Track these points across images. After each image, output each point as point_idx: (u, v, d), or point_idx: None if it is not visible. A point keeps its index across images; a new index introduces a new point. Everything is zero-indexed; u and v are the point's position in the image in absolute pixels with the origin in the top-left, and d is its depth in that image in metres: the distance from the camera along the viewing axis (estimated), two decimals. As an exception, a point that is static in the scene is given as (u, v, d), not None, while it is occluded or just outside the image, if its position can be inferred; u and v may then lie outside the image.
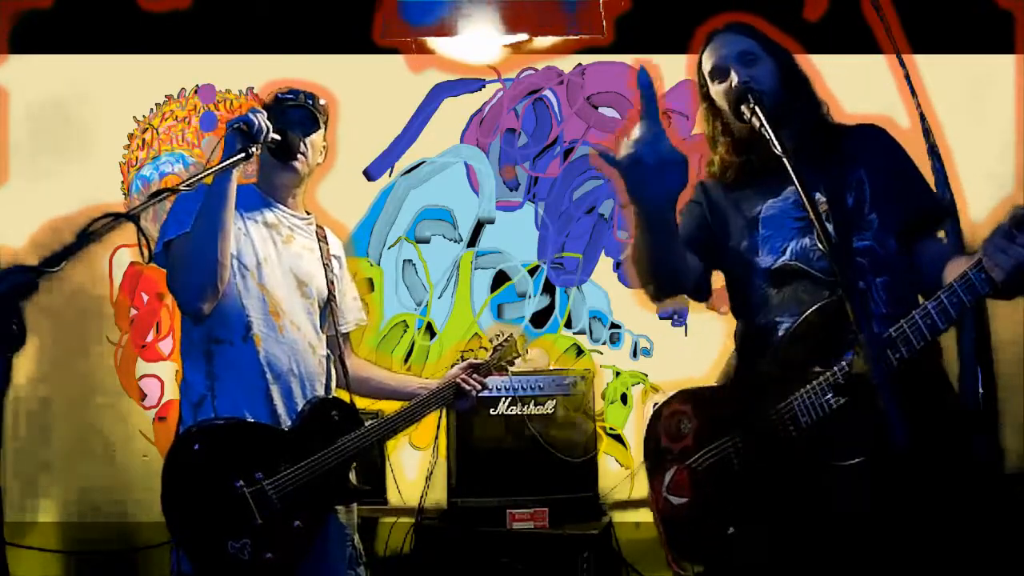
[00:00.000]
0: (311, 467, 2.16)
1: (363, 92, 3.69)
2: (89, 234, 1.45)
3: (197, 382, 2.20)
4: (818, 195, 1.85)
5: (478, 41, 3.80)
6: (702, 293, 2.08)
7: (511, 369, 2.69)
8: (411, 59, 3.81)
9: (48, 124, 3.73)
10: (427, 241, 3.81)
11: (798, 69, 2.05)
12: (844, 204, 1.92)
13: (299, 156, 2.26)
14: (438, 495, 3.36)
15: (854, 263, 1.87)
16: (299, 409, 2.23)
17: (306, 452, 2.17)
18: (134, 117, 3.78)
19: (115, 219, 1.47)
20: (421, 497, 3.39)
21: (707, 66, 2.02)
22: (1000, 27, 3.60)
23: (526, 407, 3.29)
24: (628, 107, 3.80)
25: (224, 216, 2.08)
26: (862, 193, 1.94)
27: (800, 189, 1.64)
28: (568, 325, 3.78)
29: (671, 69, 3.74)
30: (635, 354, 3.75)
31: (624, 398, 3.73)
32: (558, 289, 3.80)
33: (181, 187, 1.71)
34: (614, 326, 3.76)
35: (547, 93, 3.83)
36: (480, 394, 2.54)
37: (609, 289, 3.78)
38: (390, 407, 2.50)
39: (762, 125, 1.77)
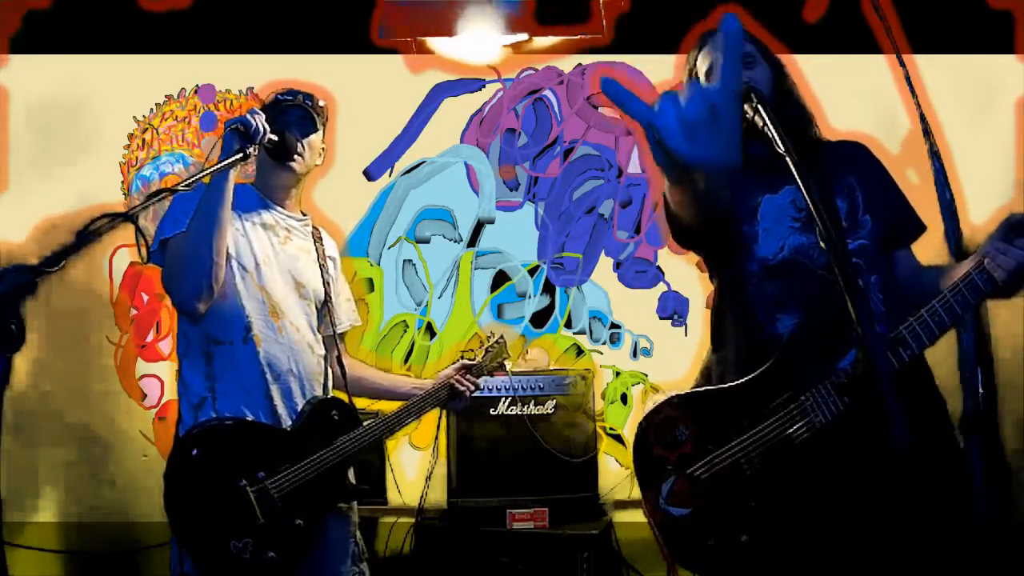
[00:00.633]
0: (312, 466, 2.17)
1: (363, 92, 3.69)
2: (88, 234, 1.45)
3: (197, 384, 2.20)
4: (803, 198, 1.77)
5: (478, 41, 3.79)
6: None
7: (510, 369, 2.70)
8: (411, 59, 3.81)
9: (48, 124, 3.73)
10: (427, 241, 3.81)
11: (791, 79, 2.07)
12: (835, 209, 1.96)
13: (296, 157, 2.26)
14: (438, 495, 3.36)
15: (853, 263, 1.89)
16: (299, 409, 2.23)
17: (307, 451, 2.18)
18: (134, 117, 3.78)
19: (114, 219, 1.47)
20: (421, 497, 3.38)
21: (702, 67, 2.03)
22: (1000, 27, 3.60)
23: (526, 407, 3.29)
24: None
25: (221, 216, 2.08)
26: (855, 198, 1.99)
27: (802, 187, 1.64)
28: (568, 325, 3.78)
29: (671, 69, 3.74)
30: (635, 354, 3.74)
31: (624, 398, 3.73)
32: (558, 289, 3.80)
33: (180, 187, 1.71)
34: (614, 326, 3.76)
35: (547, 93, 3.83)
36: (479, 394, 2.56)
37: (609, 289, 3.78)
38: (389, 407, 2.50)
39: (765, 124, 1.77)
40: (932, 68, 3.63)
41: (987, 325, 3.48)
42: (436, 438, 3.40)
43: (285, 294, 2.27)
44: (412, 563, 3.21)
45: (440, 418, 3.30)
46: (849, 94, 3.60)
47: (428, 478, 3.44)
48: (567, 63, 3.82)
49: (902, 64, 3.61)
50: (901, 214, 2.04)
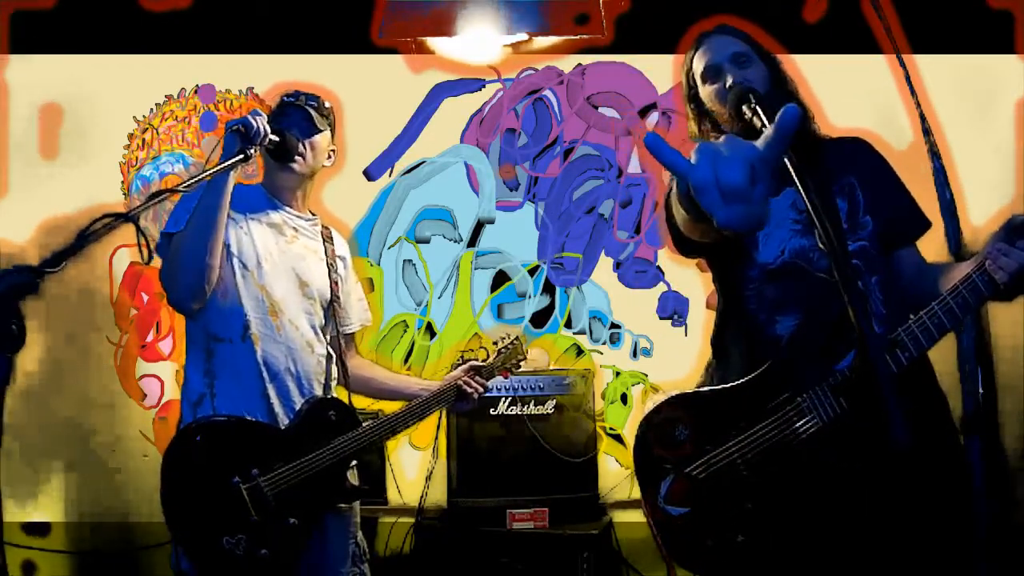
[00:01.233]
0: (306, 466, 2.17)
1: (363, 92, 3.69)
2: (88, 234, 1.45)
3: (196, 380, 2.21)
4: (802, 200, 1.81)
5: (478, 41, 3.79)
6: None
7: (520, 365, 2.68)
8: (411, 59, 3.81)
9: (48, 124, 3.74)
10: (427, 241, 3.81)
11: (787, 76, 2.06)
12: (835, 209, 1.95)
13: (297, 157, 2.26)
14: (438, 495, 3.36)
15: (852, 264, 1.89)
16: (297, 409, 2.23)
17: (303, 451, 2.18)
18: (134, 117, 3.78)
19: (114, 219, 1.47)
20: (421, 497, 3.39)
21: (698, 67, 2.03)
22: (1000, 27, 3.60)
23: (526, 407, 3.29)
24: (628, 107, 3.80)
25: (217, 218, 2.09)
26: (855, 198, 1.99)
27: (801, 188, 1.64)
28: (568, 325, 3.78)
29: (671, 69, 3.75)
30: (635, 354, 3.74)
31: (624, 398, 3.73)
32: (558, 289, 3.80)
33: (180, 188, 1.72)
34: (614, 326, 3.76)
35: (547, 93, 3.83)
36: (482, 395, 2.53)
37: (609, 289, 3.78)
38: (390, 407, 2.50)
39: (763, 125, 1.77)
40: (932, 68, 3.63)
41: (987, 325, 3.49)
42: (436, 438, 3.40)
43: (286, 293, 2.27)
44: (412, 563, 3.22)
45: (440, 418, 3.30)
46: (849, 94, 3.60)
47: (428, 478, 3.45)
48: (567, 63, 3.82)
49: (902, 64, 3.62)
50: (904, 212, 2.03)
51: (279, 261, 2.29)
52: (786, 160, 1.66)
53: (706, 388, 2.00)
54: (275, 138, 2.16)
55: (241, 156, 2.03)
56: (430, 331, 3.79)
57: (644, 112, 3.80)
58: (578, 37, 3.78)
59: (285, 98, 2.35)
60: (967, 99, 3.62)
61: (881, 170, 2.06)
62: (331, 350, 2.39)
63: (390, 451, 3.53)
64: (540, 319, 3.79)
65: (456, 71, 3.82)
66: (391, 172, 3.80)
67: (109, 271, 3.71)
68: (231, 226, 2.23)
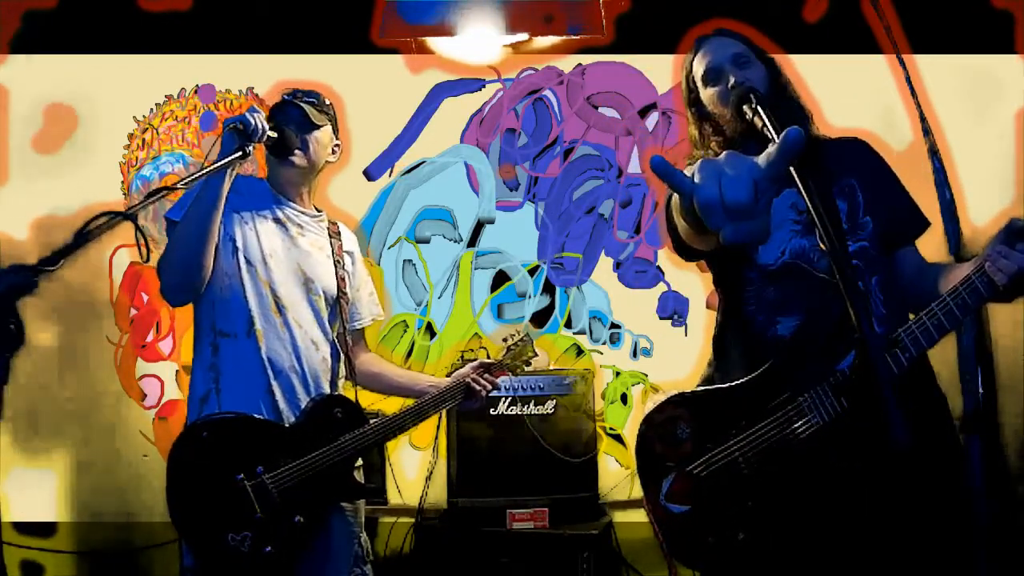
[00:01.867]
0: (311, 463, 2.17)
1: (363, 92, 3.69)
2: (87, 233, 1.45)
3: (203, 376, 2.22)
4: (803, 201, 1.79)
5: (478, 41, 3.79)
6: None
7: (531, 363, 2.65)
8: (411, 59, 3.81)
9: (48, 124, 3.74)
10: (427, 241, 3.81)
11: (787, 77, 2.07)
12: (835, 209, 1.96)
13: (296, 152, 2.27)
14: (438, 495, 3.36)
15: (853, 265, 1.89)
16: (302, 406, 2.23)
17: (308, 448, 2.18)
18: (134, 117, 3.78)
19: (113, 218, 1.47)
20: (421, 497, 3.39)
21: (699, 70, 2.04)
22: (1000, 27, 3.60)
23: (526, 407, 3.29)
24: (628, 107, 3.80)
25: (212, 216, 2.10)
26: (855, 199, 2.00)
27: (802, 189, 1.65)
28: (568, 325, 3.78)
29: (671, 69, 3.75)
30: (635, 354, 3.74)
31: (624, 398, 3.73)
32: (558, 289, 3.79)
33: (179, 186, 1.72)
34: (614, 326, 3.76)
35: (547, 93, 3.83)
36: (491, 393, 2.50)
37: (609, 289, 3.78)
38: (391, 406, 2.49)
39: (764, 125, 1.77)
40: (932, 68, 3.63)
41: (987, 325, 3.49)
42: (436, 438, 3.40)
43: (291, 289, 2.27)
44: (412, 563, 3.21)
45: (440, 418, 3.30)
46: (849, 94, 3.60)
47: (428, 478, 3.45)
48: (567, 63, 3.82)
49: (902, 64, 3.62)
50: (904, 212, 2.04)
51: (284, 258, 2.29)
52: (796, 176, 1.67)
53: (707, 387, 2.00)
54: (273, 134, 2.17)
55: (239, 153, 2.03)
56: (430, 331, 3.79)
57: (644, 112, 3.80)
58: (578, 37, 3.78)
59: (284, 96, 2.35)
60: (967, 99, 3.62)
61: (880, 170, 2.07)
62: (337, 347, 2.39)
63: (390, 451, 3.53)
64: (540, 319, 3.79)
65: (456, 71, 3.82)
66: (391, 172, 3.80)
67: (109, 271, 3.71)
68: (237, 221, 2.23)
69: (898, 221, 2.02)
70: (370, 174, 3.79)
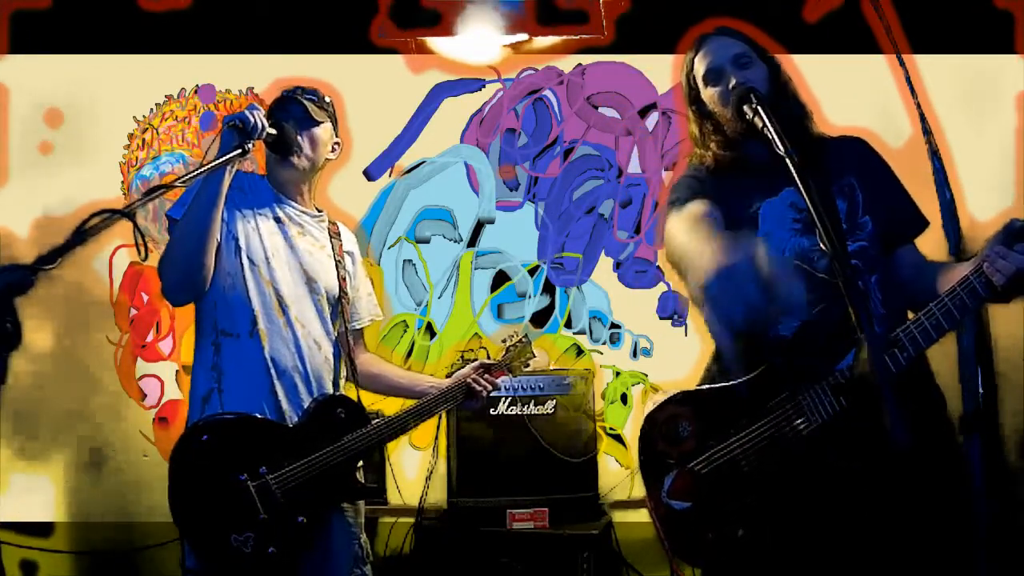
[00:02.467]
0: (315, 464, 2.17)
1: (363, 92, 3.69)
2: (85, 231, 1.45)
3: (205, 375, 2.21)
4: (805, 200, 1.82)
5: (478, 41, 3.79)
6: None
7: (530, 363, 2.65)
8: (411, 59, 3.80)
9: (48, 123, 3.74)
10: (427, 241, 3.81)
11: (787, 77, 2.08)
12: (835, 209, 1.96)
13: (295, 151, 2.26)
14: (438, 495, 3.36)
15: (853, 264, 1.89)
16: (304, 406, 2.23)
17: (311, 449, 2.18)
18: (134, 117, 3.78)
19: (111, 215, 1.47)
20: (421, 497, 3.38)
21: (700, 69, 2.04)
22: (1000, 27, 3.60)
23: (526, 407, 3.29)
24: (628, 107, 3.80)
25: (212, 216, 2.09)
26: (854, 198, 2.01)
27: (802, 188, 1.66)
28: (568, 325, 3.78)
29: (671, 69, 3.75)
30: (635, 354, 3.74)
31: (624, 398, 3.73)
32: (558, 289, 3.79)
33: (177, 184, 1.71)
34: (614, 326, 3.76)
35: (547, 93, 3.83)
36: (491, 393, 2.50)
37: (609, 289, 3.78)
38: (390, 407, 2.49)
39: (765, 125, 1.79)
40: (932, 68, 3.62)
41: (987, 325, 3.49)
42: (436, 438, 3.40)
43: (293, 289, 2.27)
44: (412, 563, 3.21)
45: (440, 418, 3.30)
46: (849, 94, 3.60)
47: (428, 478, 3.44)
48: (567, 63, 3.82)
49: (902, 64, 3.61)
50: (903, 213, 2.04)
51: (286, 257, 2.29)
52: (787, 161, 1.68)
53: (709, 386, 2.01)
54: (273, 132, 2.16)
55: (238, 151, 2.02)
56: (430, 331, 3.79)
57: (644, 112, 3.80)
58: (578, 37, 3.78)
59: (284, 93, 2.35)
60: (967, 99, 3.62)
61: (880, 170, 2.07)
62: (339, 347, 2.39)
63: (390, 451, 3.53)
64: (540, 319, 3.79)
65: (456, 71, 3.82)
66: (391, 172, 3.80)
67: (109, 271, 3.71)
68: (240, 219, 2.23)
69: (897, 221, 2.02)
70: (370, 174, 3.79)
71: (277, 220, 2.31)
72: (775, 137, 1.73)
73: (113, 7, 3.72)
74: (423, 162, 3.81)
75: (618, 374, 3.73)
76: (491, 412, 3.27)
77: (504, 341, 2.62)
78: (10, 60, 3.73)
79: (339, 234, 2.45)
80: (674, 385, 3.10)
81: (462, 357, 2.60)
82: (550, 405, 3.31)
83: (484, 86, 3.82)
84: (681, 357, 3.62)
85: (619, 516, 3.45)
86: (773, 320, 1.62)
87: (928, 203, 3.54)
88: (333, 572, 2.25)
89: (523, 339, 2.62)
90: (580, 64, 3.81)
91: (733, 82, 1.96)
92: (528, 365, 2.63)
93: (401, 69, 3.80)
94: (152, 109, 3.79)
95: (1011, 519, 3.37)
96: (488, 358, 2.55)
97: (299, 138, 2.26)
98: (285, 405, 2.21)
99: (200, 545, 2.10)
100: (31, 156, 3.73)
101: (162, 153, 3.79)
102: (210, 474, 2.10)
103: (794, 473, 1.83)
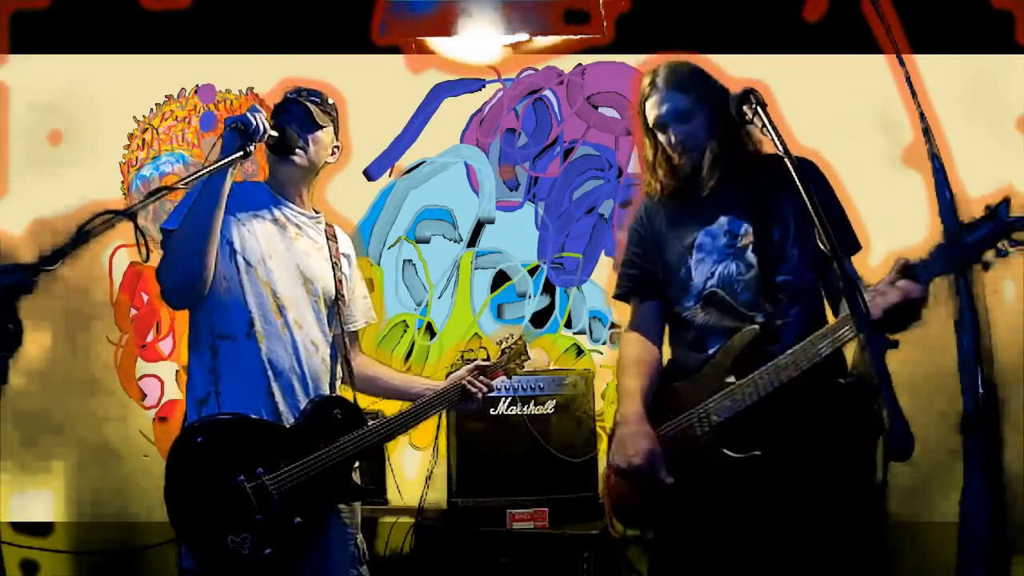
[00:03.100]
0: (312, 465, 2.17)
1: (363, 92, 3.68)
2: (86, 232, 1.45)
3: (202, 378, 2.21)
4: (745, 226, 2.17)
5: (478, 41, 3.79)
6: None
7: (524, 365, 2.67)
8: (411, 59, 3.80)
9: (48, 124, 3.74)
10: (427, 241, 3.81)
11: (743, 106, 2.13)
12: (771, 237, 2.17)
13: (297, 151, 2.26)
14: (438, 495, 3.36)
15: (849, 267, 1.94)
16: (301, 407, 2.23)
17: (308, 450, 2.18)
18: (134, 117, 3.78)
19: (112, 216, 1.47)
20: (421, 497, 3.38)
21: (650, 115, 2.22)
22: (1000, 27, 3.60)
23: (526, 407, 3.29)
24: (628, 107, 3.80)
25: (214, 216, 2.09)
26: (787, 228, 2.16)
27: (802, 189, 1.69)
28: (568, 325, 3.78)
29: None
30: (635, 354, 3.74)
31: (624, 398, 3.73)
32: (558, 289, 3.80)
33: (179, 185, 1.71)
34: (614, 326, 3.76)
35: (547, 93, 3.83)
36: (486, 395, 2.52)
37: (609, 289, 3.78)
38: (390, 407, 2.49)
39: (764, 125, 1.84)
40: (932, 68, 3.62)
41: (987, 325, 3.49)
42: (436, 438, 3.40)
43: (291, 291, 2.27)
44: (412, 563, 3.22)
45: (440, 418, 3.30)
46: (849, 94, 3.60)
47: (428, 478, 3.44)
48: (567, 63, 3.82)
49: (902, 64, 3.61)
50: (837, 236, 2.03)
51: (283, 258, 2.28)
52: (787, 160, 1.72)
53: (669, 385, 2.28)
54: (275, 133, 2.16)
55: (240, 153, 2.02)
56: (430, 331, 3.79)
57: (644, 112, 3.80)
58: (578, 37, 3.78)
59: (288, 95, 2.34)
60: (967, 99, 3.62)
61: (821, 193, 2.07)
62: (336, 348, 2.39)
63: (390, 451, 3.53)
64: (540, 319, 3.79)
65: (456, 71, 3.82)
66: (391, 172, 3.80)
67: (109, 271, 3.71)
68: (234, 223, 2.22)
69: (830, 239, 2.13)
70: (370, 174, 3.79)
71: (275, 222, 2.31)
72: (774, 137, 1.79)
73: (113, 7, 3.71)
74: (423, 162, 3.81)
75: (618, 374, 3.73)
76: (491, 412, 3.27)
77: (499, 343, 2.63)
78: (10, 60, 3.73)
79: (336, 236, 2.45)
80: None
81: (462, 357, 2.60)
82: (550, 405, 3.31)
83: (484, 86, 3.82)
84: (681, 357, 3.63)
85: (619, 516, 3.45)
86: None
87: (928, 203, 3.56)
88: (330, 573, 2.25)
89: (518, 341, 2.63)
90: (580, 64, 3.81)
91: (673, 139, 2.17)
92: (523, 366, 2.64)
93: (401, 69, 3.80)
94: (152, 109, 3.79)
95: (1008, 518, 3.38)
96: (487, 359, 2.56)
97: (301, 140, 2.26)
98: (282, 407, 2.20)
99: (197, 546, 2.10)
100: (31, 156, 3.73)
101: (162, 153, 3.79)
102: (207, 475, 2.09)
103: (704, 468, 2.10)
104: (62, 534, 3.62)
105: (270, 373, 2.20)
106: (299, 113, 2.28)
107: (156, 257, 2.19)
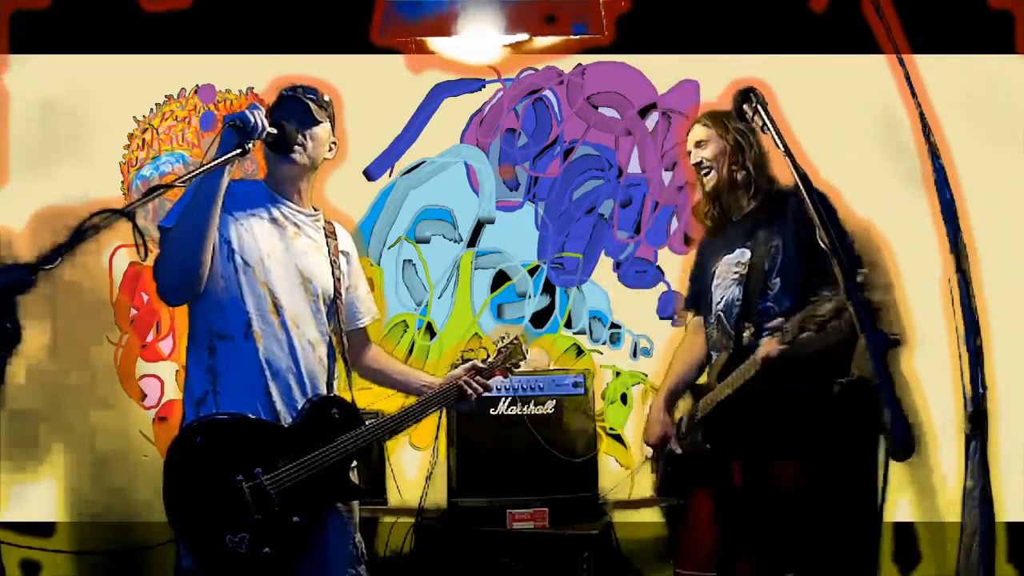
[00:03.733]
0: (310, 464, 2.16)
1: (363, 92, 3.69)
2: (84, 231, 1.45)
3: (199, 378, 2.21)
4: (747, 256, 2.56)
5: (478, 41, 3.79)
6: None
7: (520, 364, 2.67)
8: (411, 59, 3.80)
9: (48, 124, 3.73)
10: (427, 241, 3.81)
11: (752, 142, 2.63)
12: (762, 267, 2.51)
13: (296, 149, 2.25)
14: (438, 495, 3.36)
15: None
16: (299, 407, 2.23)
17: (306, 449, 2.17)
18: (134, 117, 3.78)
19: (111, 215, 1.47)
20: (421, 497, 3.38)
21: (691, 140, 2.75)
22: (1000, 27, 3.60)
23: (526, 407, 3.29)
24: (628, 107, 3.80)
25: (210, 214, 2.08)
26: (775, 259, 2.48)
27: (802, 189, 1.70)
28: (568, 325, 3.78)
29: (671, 69, 3.75)
30: (635, 354, 3.74)
31: (624, 398, 3.73)
32: (558, 289, 3.79)
33: (177, 183, 1.71)
34: (614, 326, 3.76)
35: (547, 93, 3.83)
36: (482, 396, 2.53)
37: (609, 289, 3.78)
38: (389, 406, 2.49)
39: (764, 124, 1.85)
40: (932, 68, 3.62)
41: (986, 325, 3.49)
42: (436, 438, 3.40)
43: (289, 290, 2.27)
44: (412, 563, 3.21)
45: (440, 418, 3.30)
46: (849, 94, 3.60)
47: (428, 478, 3.44)
48: (567, 63, 3.82)
49: (902, 64, 3.61)
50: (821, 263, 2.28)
51: (282, 258, 2.28)
52: (787, 159, 1.73)
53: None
54: (273, 131, 2.15)
55: (238, 150, 2.02)
56: (430, 331, 3.79)
57: (644, 112, 3.80)
58: (578, 37, 3.78)
59: (284, 92, 2.34)
60: (967, 99, 3.62)
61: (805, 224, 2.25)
62: (333, 347, 2.39)
63: (390, 451, 3.53)
64: (540, 319, 3.79)
65: (456, 71, 3.82)
66: (391, 172, 3.80)
67: (109, 271, 3.71)
68: (232, 223, 2.22)
69: (807, 271, 2.42)
70: (370, 174, 3.79)
71: (273, 221, 2.30)
72: (775, 136, 1.80)
73: (113, 7, 3.71)
74: (423, 162, 3.81)
75: (618, 374, 3.74)
76: (491, 412, 3.27)
77: (496, 343, 2.64)
78: (10, 60, 3.72)
79: (335, 233, 2.44)
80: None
81: (462, 357, 2.60)
82: (550, 405, 3.31)
83: (484, 86, 3.82)
84: (681, 357, 3.62)
85: (619, 516, 3.45)
86: None
87: (928, 203, 3.56)
88: (328, 572, 2.25)
89: (513, 341, 2.63)
90: (580, 64, 3.81)
91: (694, 160, 2.72)
92: (519, 366, 2.65)
93: (401, 69, 3.80)
94: (152, 109, 3.79)
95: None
96: (485, 359, 2.56)
97: (300, 136, 2.26)
98: (280, 406, 2.20)
99: (196, 546, 2.10)
100: (31, 156, 3.73)
101: (162, 153, 3.79)
102: (205, 475, 2.09)
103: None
104: (63, 534, 3.61)
105: (267, 373, 2.20)
106: (297, 110, 2.28)
107: (154, 257, 2.19)
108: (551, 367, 3.66)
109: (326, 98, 2.37)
